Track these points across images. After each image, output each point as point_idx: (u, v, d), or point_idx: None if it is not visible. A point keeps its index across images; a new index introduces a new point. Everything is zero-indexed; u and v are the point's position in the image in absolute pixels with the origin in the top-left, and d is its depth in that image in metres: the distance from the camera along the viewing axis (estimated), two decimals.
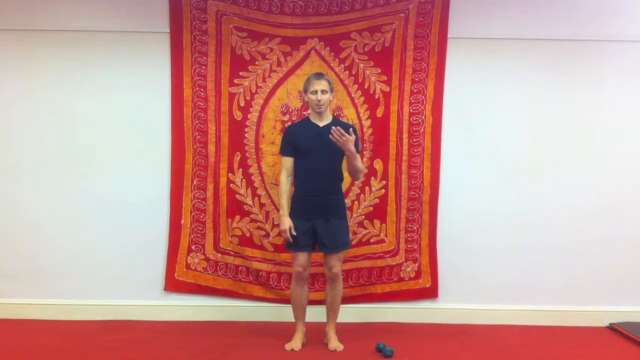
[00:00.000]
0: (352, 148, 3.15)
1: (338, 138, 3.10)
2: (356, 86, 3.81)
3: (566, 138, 3.85)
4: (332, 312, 3.37)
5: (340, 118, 3.71)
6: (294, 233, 3.24)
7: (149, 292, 3.83)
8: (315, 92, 3.23)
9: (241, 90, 3.80)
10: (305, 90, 3.30)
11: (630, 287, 3.87)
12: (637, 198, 3.86)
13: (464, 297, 3.88)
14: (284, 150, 3.33)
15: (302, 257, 3.28)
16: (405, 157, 3.83)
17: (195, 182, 3.82)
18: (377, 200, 3.84)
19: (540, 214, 3.86)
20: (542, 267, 3.87)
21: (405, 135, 3.82)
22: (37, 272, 3.83)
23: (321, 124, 3.30)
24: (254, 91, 3.80)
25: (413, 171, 3.83)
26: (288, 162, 3.32)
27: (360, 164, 3.28)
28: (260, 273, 3.82)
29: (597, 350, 3.41)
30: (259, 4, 3.76)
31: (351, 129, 3.19)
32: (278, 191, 3.37)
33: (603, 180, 3.85)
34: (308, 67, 3.76)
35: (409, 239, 3.85)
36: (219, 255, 3.85)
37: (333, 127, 3.11)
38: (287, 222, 3.25)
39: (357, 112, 3.81)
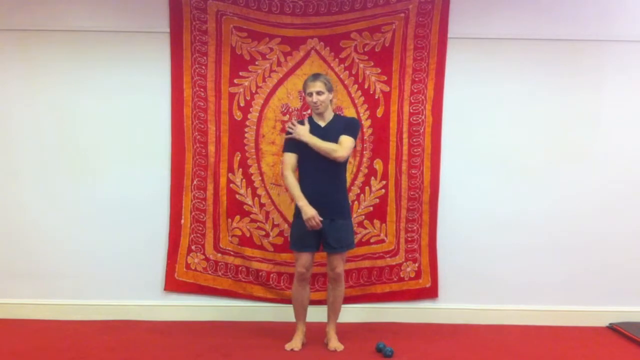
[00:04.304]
0: (305, 135, 3.21)
1: (292, 133, 3.25)
2: (356, 86, 3.80)
3: (567, 138, 3.85)
4: (333, 312, 3.37)
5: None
6: (321, 218, 3.20)
7: (149, 292, 3.83)
8: (311, 94, 3.24)
9: (241, 90, 3.80)
10: (305, 92, 3.32)
11: (630, 287, 3.87)
12: (638, 198, 3.86)
13: (464, 297, 3.88)
14: (288, 147, 3.32)
15: (305, 258, 3.27)
16: (405, 157, 3.82)
17: (195, 182, 3.82)
18: (377, 200, 3.84)
19: (540, 214, 3.86)
20: (542, 267, 3.87)
21: (405, 135, 3.82)
22: (37, 272, 3.83)
23: (323, 124, 3.30)
24: (254, 91, 3.80)
25: (413, 171, 3.83)
26: (292, 157, 3.30)
27: (323, 144, 3.18)
28: (260, 273, 3.82)
29: (597, 350, 3.41)
30: (259, 4, 3.76)
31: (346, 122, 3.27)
32: (288, 186, 3.30)
33: (603, 180, 3.85)
34: (308, 67, 3.76)
35: (409, 239, 3.85)
36: (219, 255, 3.85)
37: (289, 123, 3.30)
38: (311, 210, 3.19)
39: (357, 112, 3.81)
